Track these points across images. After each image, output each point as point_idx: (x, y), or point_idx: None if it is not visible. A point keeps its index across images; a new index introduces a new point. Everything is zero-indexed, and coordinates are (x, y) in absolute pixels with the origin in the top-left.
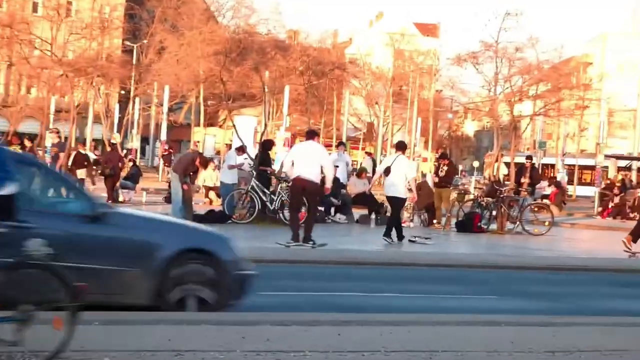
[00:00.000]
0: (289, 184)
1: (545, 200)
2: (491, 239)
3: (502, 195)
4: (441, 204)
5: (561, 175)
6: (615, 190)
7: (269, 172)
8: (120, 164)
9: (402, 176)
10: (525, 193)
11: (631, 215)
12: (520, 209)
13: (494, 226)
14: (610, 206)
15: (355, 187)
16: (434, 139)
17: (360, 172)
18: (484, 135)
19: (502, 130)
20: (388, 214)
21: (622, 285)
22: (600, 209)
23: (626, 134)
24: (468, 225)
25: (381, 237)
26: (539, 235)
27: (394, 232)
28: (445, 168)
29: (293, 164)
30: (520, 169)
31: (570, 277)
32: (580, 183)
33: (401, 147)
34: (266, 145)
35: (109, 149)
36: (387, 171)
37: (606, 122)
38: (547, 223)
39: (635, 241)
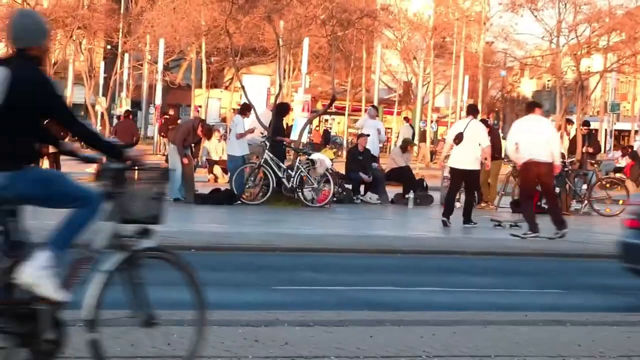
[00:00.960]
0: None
1: (619, 175)
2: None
3: (566, 169)
4: (490, 180)
5: (638, 144)
6: None
7: (285, 142)
8: (134, 139)
9: (476, 145)
10: (595, 166)
11: None
12: (588, 185)
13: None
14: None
15: (395, 162)
16: (484, 101)
17: (405, 145)
18: (544, 96)
19: (566, 90)
20: (448, 191)
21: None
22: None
23: None
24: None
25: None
26: (612, 216)
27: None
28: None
29: (517, 146)
30: (574, 137)
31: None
32: None
33: (473, 110)
34: (281, 110)
35: (115, 120)
36: (458, 139)
37: None
38: (621, 202)
39: None
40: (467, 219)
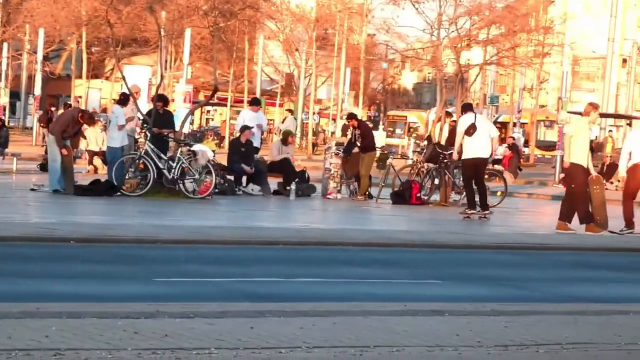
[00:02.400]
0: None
1: (497, 166)
2: (433, 212)
3: (446, 161)
4: (362, 171)
5: (517, 136)
6: None
7: (165, 133)
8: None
9: (487, 135)
10: None
11: None
12: None
13: (436, 197)
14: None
15: (278, 153)
16: (366, 93)
17: (286, 137)
18: (425, 88)
19: (446, 82)
20: (465, 184)
21: (585, 266)
22: (562, 175)
23: (593, 85)
24: (405, 196)
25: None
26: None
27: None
28: (358, 132)
29: (630, 155)
30: (453, 129)
31: (526, 258)
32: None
33: (470, 107)
34: (159, 101)
35: None
36: (472, 129)
37: (570, 72)
38: (499, 193)
39: (570, 221)
40: (484, 206)
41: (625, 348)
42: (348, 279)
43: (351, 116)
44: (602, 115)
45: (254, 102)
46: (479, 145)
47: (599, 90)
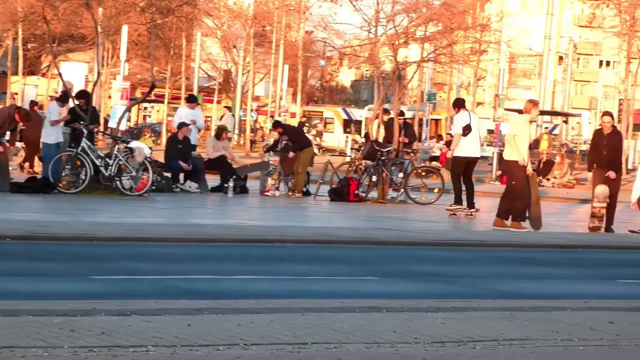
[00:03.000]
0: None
1: (434, 163)
2: (370, 209)
3: (383, 158)
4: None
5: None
6: None
7: (95, 130)
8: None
9: (478, 134)
10: (411, 155)
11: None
12: (404, 173)
13: (374, 194)
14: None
15: (213, 149)
16: (304, 90)
17: (220, 132)
18: (362, 85)
19: (384, 79)
20: (453, 181)
21: (523, 263)
22: (499, 172)
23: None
24: (343, 193)
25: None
26: (427, 204)
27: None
28: (286, 138)
29: None
30: (388, 124)
31: (464, 254)
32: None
33: (462, 104)
34: (81, 97)
35: None
36: (466, 132)
37: (507, 69)
38: (436, 190)
39: (523, 220)
40: (471, 204)
41: (562, 344)
42: (286, 276)
43: (276, 124)
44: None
45: (190, 100)
46: (473, 144)
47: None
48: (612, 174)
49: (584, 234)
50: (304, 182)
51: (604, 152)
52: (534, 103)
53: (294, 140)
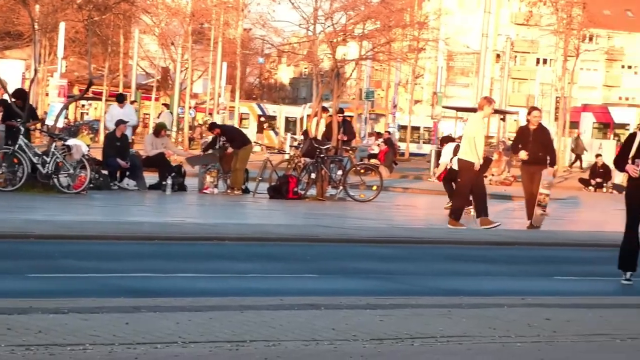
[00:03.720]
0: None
1: (373, 161)
2: (310, 206)
3: (322, 155)
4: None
5: (392, 131)
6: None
7: (32, 127)
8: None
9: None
10: (350, 152)
11: None
12: (343, 171)
13: (313, 191)
14: (448, 167)
15: (151, 147)
16: (242, 87)
17: (159, 130)
18: (301, 83)
19: (322, 77)
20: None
21: (461, 260)
22: (437, 170)
23: (468, 80)
24: (282, 190)
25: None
26: (366, 201)
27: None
28: (223, 138)
29: None
30: (329, 123)
31: (403, 251)
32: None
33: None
34: (18, 96)
35: None
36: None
37: (445, 67)
38: (374, 187)
39: (458, 219)
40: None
41: (500, 341)
42: (225, 273)
43: (213, 126)
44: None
45: (119, 99)
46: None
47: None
48: (550, 171)
49: (521, 231)
50: (242, 179)
51: (529, 148)
52: (488, 100)
53: (231, 140)
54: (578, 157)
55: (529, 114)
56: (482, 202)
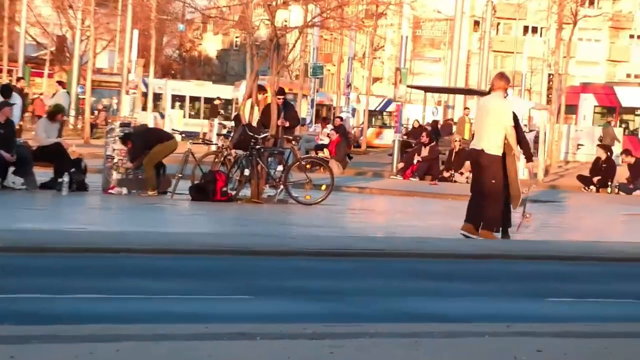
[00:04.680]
0: None
1: (321, 153)
2: (242, 210)
3: (258, 147)
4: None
5: (345, 116)
6: (424, 138)
7: None
8: None
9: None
10: (293, 143)
11: (446, 174)
12: (284, 166)
13: (246, 192)
14: (415, 161)
15: (45, 135)
16: (158, 61)
17: (55, 113)
18: (232, 56)
19: (258, 49)
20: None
21: (431, 276)
22: (401, 165)
23: (439, 54)
24: (208, 190)
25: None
26: (313, 204)
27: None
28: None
29: None
30: (267, 106)
31: (358, 266)
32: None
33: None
34: None
35: None
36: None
37: (410, 37)
38: (324, 187)
39: (478, 228)
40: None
41: None
42: (135, 294)
43: (126, 138)
44: (447, 91)
45: (3, 93)
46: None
47: (445, 59)
48: (528, 165)
49: (504, 241)
50: (154, 177)
51: None
52: (505, 78)
53: (144, 148)
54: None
55: (490, 91)
56: (499, 210)
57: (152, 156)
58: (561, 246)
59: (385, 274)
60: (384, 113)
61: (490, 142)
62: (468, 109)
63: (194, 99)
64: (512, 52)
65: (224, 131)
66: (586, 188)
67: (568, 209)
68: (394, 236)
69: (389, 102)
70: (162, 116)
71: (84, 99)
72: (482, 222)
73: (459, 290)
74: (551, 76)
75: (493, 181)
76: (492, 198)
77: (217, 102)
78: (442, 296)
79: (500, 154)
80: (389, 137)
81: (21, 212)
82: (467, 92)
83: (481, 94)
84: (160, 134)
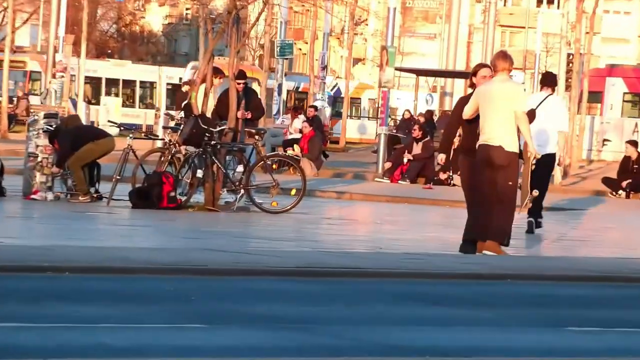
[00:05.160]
0: None
1: (291, 151)
2: (194, 220)
3: (213, 142)
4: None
5: (321, 105)
6: (416, 133)
7: None
8: None
9: (553, 125)
10: (256, 138)
11: (442, 176)
12: (246, 165)
13: (199, 197)
14: (405, 160)
15: None
16: (91, 38)
17: None
18: (181, 32)
19: (214, 23)
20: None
21: (424, 300)
22: (388, 165)
23: (434, 29)
24: (152, 195)
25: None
26: (280, 212)
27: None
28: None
29: None
30: (225, 93)
31: (333, 288)
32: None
33: (551, 81)
34: None
35: None
36: (529, 117)
37: (399, 8)
38: (293, 191)
39: (503, 242)
40: (537, 213)
41: None
42: (63, 322)
43: (53, 136)
44: (444, 75)
45: None
46: (550, 138)
47: (442, 36)
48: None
49: (514, 258)
50: (84, 178)
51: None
52: (510, 58)
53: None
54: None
55: (474, 74)
56: (511, 218)
57: (80, 155)
58: (583, 264)
59: (368, 298)
60: (337, 100)
61: (509, 136)
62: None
63: (110, 82)
64: (523, 28)
65: (172, 124)
66: (613, 193)
67: (591, 219)
68: (379, 252)
69: (338, 91)
70: (74, 103)
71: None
72: (488, 232)
73: (458, 317)
74: (571, 56)
75: (510, 184)
76: (506, 204)
77: (185, 88)
78: (437, 325)
79: (518, 151)
80: (352, 129)
81: None
82: (469, 76)
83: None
84: (92, 133)
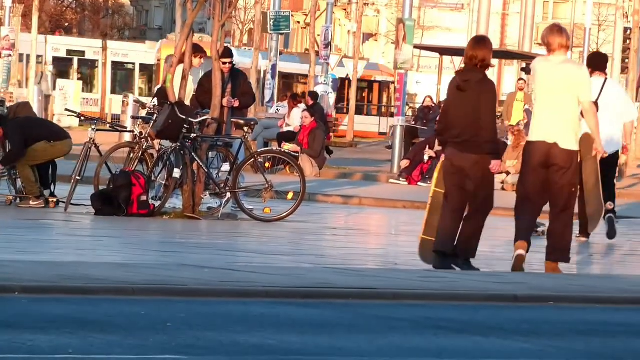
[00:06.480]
0: None
1: (288, 146)
2: (170, 229)
3: (194, 136)
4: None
5: (322, 91)
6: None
7: None
8: None
9: (617, 116)
10: (246, 130)
11: None
12: (233, 164)
13: (176, 202)
14: (427, 158)
15: None
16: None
17: None
18: (154, 3)
19: None
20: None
21: (450, 329)
22: (406, 163)
23: None
24: (120, 200)
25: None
26: (274, 220)
27: None
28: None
29: None
30: (207, 75)
31: (340, 314)
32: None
33: (603, 64)
34: None
35: None
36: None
37: None
38: (290, 195)
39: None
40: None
41: None
42: (12, 353)
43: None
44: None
45: None
46: (615, 132)
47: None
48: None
49: (560, 275)
50: (34, 179)
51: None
52: (566, 33)
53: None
54: None
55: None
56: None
57: (29, 154)
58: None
59: (380, 324)
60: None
61: (570, 132)
62: (523, 80)
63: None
64: None
65: (143, 113)
66: None
67: None
68: (394, 269)
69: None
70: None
71: None
72: (551, 250)
73: (489, 349)
74: (628, 31)
75: (573, 190)
76: (564, 214)
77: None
78: (463, 358)
79: (578, 149)
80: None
81: None
82: (504, 55)
83: (525, 57)
84: (47, 130)
